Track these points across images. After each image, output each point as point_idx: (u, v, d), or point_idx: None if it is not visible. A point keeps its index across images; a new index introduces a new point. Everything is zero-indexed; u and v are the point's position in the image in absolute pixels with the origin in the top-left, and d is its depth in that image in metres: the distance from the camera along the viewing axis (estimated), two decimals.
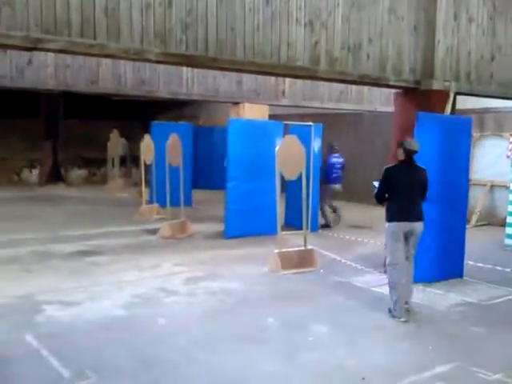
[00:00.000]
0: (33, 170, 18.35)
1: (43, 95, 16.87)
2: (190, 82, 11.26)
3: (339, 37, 6.23)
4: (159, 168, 10.89)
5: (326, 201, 10.66)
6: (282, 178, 7.63)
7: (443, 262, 6.95)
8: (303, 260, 7.48)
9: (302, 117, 12.87)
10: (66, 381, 4.06)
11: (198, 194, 13.82)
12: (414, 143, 5.63)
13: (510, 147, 10.64)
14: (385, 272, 6.20)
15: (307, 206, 8.32)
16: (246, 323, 5.36)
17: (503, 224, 9.71)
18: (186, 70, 11.06)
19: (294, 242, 8.08)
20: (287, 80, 11.95)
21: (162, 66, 10.55)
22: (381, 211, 5.74)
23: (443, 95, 6.98)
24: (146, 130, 12.74)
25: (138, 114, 18.79)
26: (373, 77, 6.61)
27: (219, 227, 9.76)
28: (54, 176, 18.04)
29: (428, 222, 5.87)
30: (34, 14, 4.38)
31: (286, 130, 9.64)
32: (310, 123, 9.96)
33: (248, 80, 11.65)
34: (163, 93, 11.16)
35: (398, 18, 6.70)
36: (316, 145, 10.04)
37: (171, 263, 7.66)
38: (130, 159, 17.92)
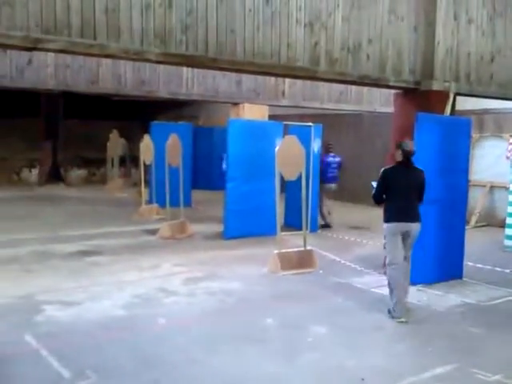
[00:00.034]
0: (32, 170, 18.33)
1: (43, 95, 16.88)
2: (189, 83, 11.27)
3: (339, 37, 6.23)
4: (159, 168, 10.86)
5: (322, 200, 10.65)
6: (282, 178, 7.63)
7: (443, 263, 6.95)
8: (303, 261, 7.48)
9: (301, 117, 12.87)
10: (65, 381, 4.06)
11: (197, 195, 13.81)
12: (411, 145, 5.65)
13: (509, 148, 10.62)
14: (384, 273, 6.20)
15: (307, 206, 8.32)
16: (246, 323, 5.37)
17: (503, 225, 9.71)
18: (185, 71, 11.07)
19: (293, 242, 8.08)
20: (287, 80, 11.96)
21: (161, 67, 10.56)
22: (380, 212, 5.74)
23: (443, 96, 6.98)
24: (146, 130, 12.73)
25: (138, 114, 18.78)
26: (373, 77, 6.62)
27: (219, 228, 9.76)
28: (54, 176, 18.06)
29: (427, 223, 5.87)
30: (34, 14, 4.39)
31: (286, 131, 9.64)
32: (310, 124, 9.97)
33: (248, 80, 11.65)
34: (163, 93, 11.17)
35: (398, 19, 6.70)
36: (316, 145, 10.05)
37: (171, 263, 7.66)
38: (130, 159, 17.88)
